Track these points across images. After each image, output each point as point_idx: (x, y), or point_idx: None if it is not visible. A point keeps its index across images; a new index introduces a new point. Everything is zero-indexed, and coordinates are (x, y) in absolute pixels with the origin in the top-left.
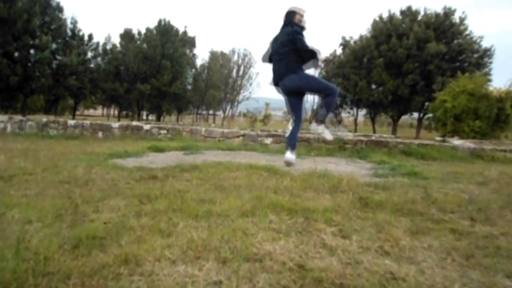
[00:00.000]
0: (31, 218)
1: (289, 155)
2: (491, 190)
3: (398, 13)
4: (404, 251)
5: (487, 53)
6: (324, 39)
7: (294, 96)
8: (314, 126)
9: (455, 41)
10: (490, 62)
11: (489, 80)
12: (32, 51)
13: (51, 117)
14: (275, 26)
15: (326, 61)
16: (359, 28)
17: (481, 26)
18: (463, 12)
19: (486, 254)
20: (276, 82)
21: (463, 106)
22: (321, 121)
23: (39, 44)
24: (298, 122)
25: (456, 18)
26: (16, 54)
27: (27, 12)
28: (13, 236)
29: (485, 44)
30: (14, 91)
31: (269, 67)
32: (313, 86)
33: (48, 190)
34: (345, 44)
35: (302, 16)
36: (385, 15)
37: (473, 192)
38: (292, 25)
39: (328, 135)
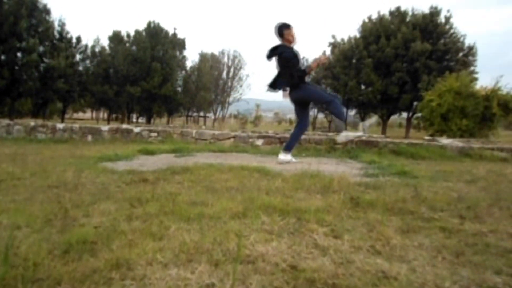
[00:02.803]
0: (19, 224)
1: (281, 156)
2: (479, 188)
3: (387, 14)
4: (395, 250)
5: (471, 51)
6: (313, 39)
7: (299, 105)
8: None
9: (441, 41)
10: (475, 60)
11: (475, 79)
12: (19, 54)
13: (39, 121)
14: (264, 26)
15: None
16: (347, 29)
17: (467, 26)
18: (448, 11)
19: (476, 251)
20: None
21: (449, 105)
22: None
23: (26, 47)
24: (301, 126)
25: (442, 18)
26: (2, 57)
27: (14, 15)
28: (1, 242)
29: (469, 42)
30: (1, 95)
31: (260, 68)
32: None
33: (37, 195)
34: (334, 45)
35: (291, 30)
36: (374, 16)
37: (462, 190)
38: (283, 41)
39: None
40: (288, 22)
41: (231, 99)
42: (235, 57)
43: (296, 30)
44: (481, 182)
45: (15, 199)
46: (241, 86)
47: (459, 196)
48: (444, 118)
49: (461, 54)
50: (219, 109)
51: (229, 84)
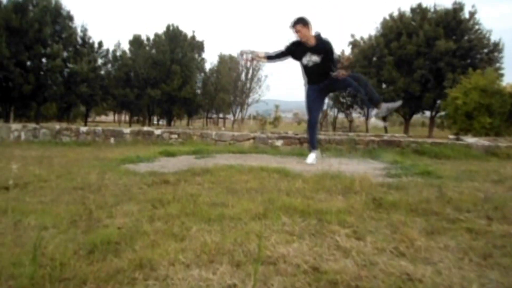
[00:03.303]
0: (46, 225)
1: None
2: (507, 188)
3: (408, 11)
4: (420, 251)
5: (497, 47)
6: (332, 38)
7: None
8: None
9: (465, 37)
10: (501, 57)
11: (501, 75)
12: (44, 60)
13: (64, 124)
14: (283, 27)
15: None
16: (367, 28)
17: (493, 22)
18: (473, 6)
19: (504, 253)
20: None
21: (475, 102)
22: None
23: (50, 52)
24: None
25: (465, 13)
26: (28, 63)
27: (39, 22)
28: (30, 242)
29: (495, 38)
30: (27, 100)
31: (278, 69)
32: None
33: (62, 197)
34: (354, 44)
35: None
36: (395, 14)
37: (488, 190)
38: None
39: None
40: (301, 19)
41: (250, 100)
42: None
43: (299, 30)
44: (509, 181)
45: (42, 201)
46: (260, 87)
47: (485, 196)
48: (468, 116)
49: (486, 50)
50: (238, 110)
51: (248, 85)
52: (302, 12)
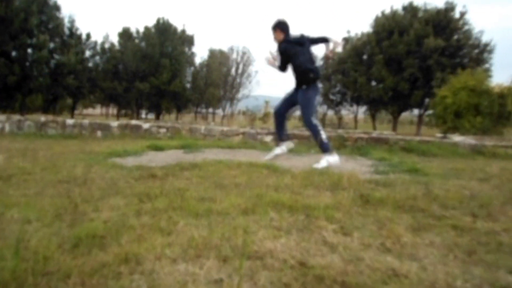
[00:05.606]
0: (30, 218)
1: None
2: (492, 186)
3: (400, 9)
4: (406, 247)
5: (487, 48)
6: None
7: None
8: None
9: (455, 37)
10: (490, 58)
11: (490, 76)
12: (29, 50)
13: (50, 117)
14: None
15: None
16: (362, 24)
17: (483, 22)
18: (464, 6)
19: (488, 250)
20: None
21: (463, 102)
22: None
23: (36, 43)
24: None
25: (456, 13)
26: (13, 53)
27: (24, 11)
28: (13, 235)
29: (485, 39)
30: (12, 91)
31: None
32: None
33: (47, 190)
34: (347, 40)
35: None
36: (387, 11)
37: (474, 188)
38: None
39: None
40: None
41: (240, 95)
42: (244, 53)
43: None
44: (494, 180)
45: (26, 194)
46: (250, 82)
47: (471, 194)
48: (457, 115)
49: (476, 50)
50: (228, 105)
51: (238, 80)
52: (296, 7)
